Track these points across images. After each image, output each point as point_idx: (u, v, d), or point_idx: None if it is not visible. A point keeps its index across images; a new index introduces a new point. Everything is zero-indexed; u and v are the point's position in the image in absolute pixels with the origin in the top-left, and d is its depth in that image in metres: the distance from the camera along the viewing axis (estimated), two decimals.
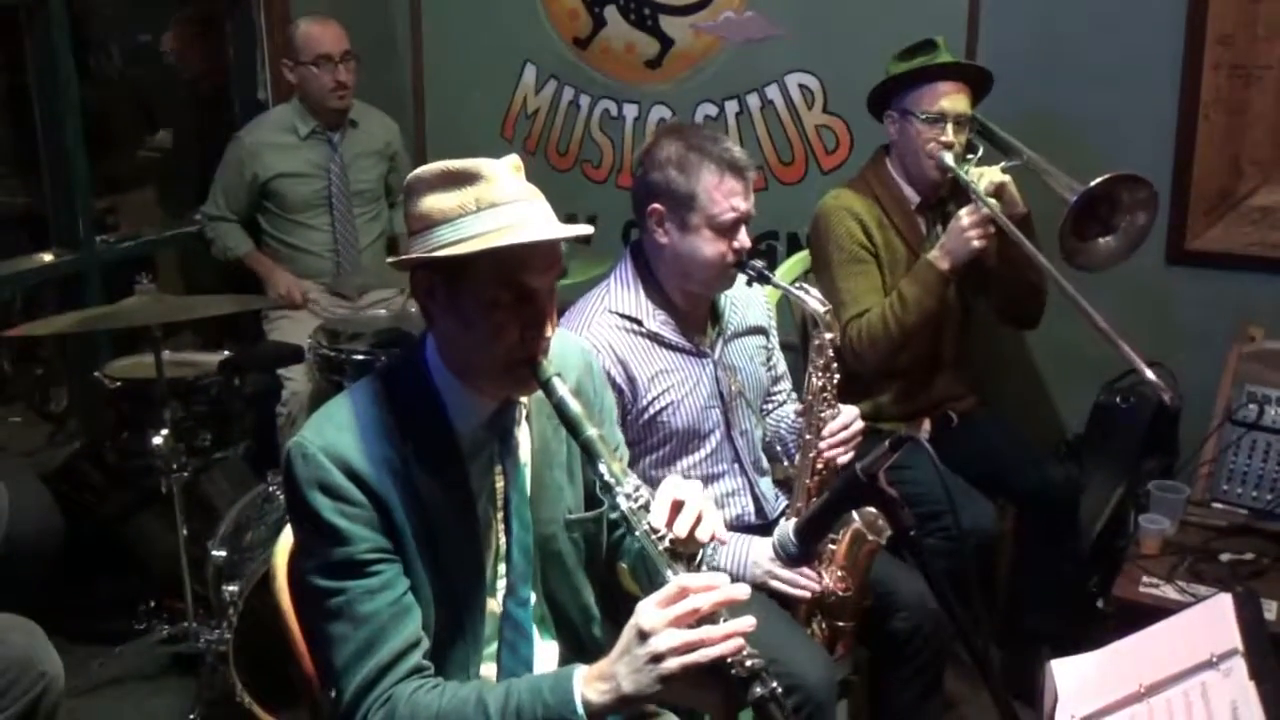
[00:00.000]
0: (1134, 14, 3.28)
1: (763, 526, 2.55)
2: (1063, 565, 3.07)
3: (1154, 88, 3.28)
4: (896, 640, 2.49)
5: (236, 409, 3.45)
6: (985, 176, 2.90)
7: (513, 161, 1.67)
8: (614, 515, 1.70)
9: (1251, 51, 3.19)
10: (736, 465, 2.55)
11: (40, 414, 5.13)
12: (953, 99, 2.93)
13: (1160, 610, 2.34)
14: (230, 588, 2.97)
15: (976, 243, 2.82)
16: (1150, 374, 2.53)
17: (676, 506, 1.67)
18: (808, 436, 2.45)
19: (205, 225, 4.04)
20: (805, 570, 2.34)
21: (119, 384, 3.36)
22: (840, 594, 2.39)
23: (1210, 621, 1.63)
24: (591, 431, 1.67)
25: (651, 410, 2.42)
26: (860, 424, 2.48)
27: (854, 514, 2.32)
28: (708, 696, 1.59)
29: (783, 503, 2.61)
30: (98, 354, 3.75)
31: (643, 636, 1.50)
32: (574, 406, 1.68)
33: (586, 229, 1.70)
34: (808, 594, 2.37)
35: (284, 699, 2.80)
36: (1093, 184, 2.80)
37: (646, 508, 1.64)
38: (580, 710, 1.53)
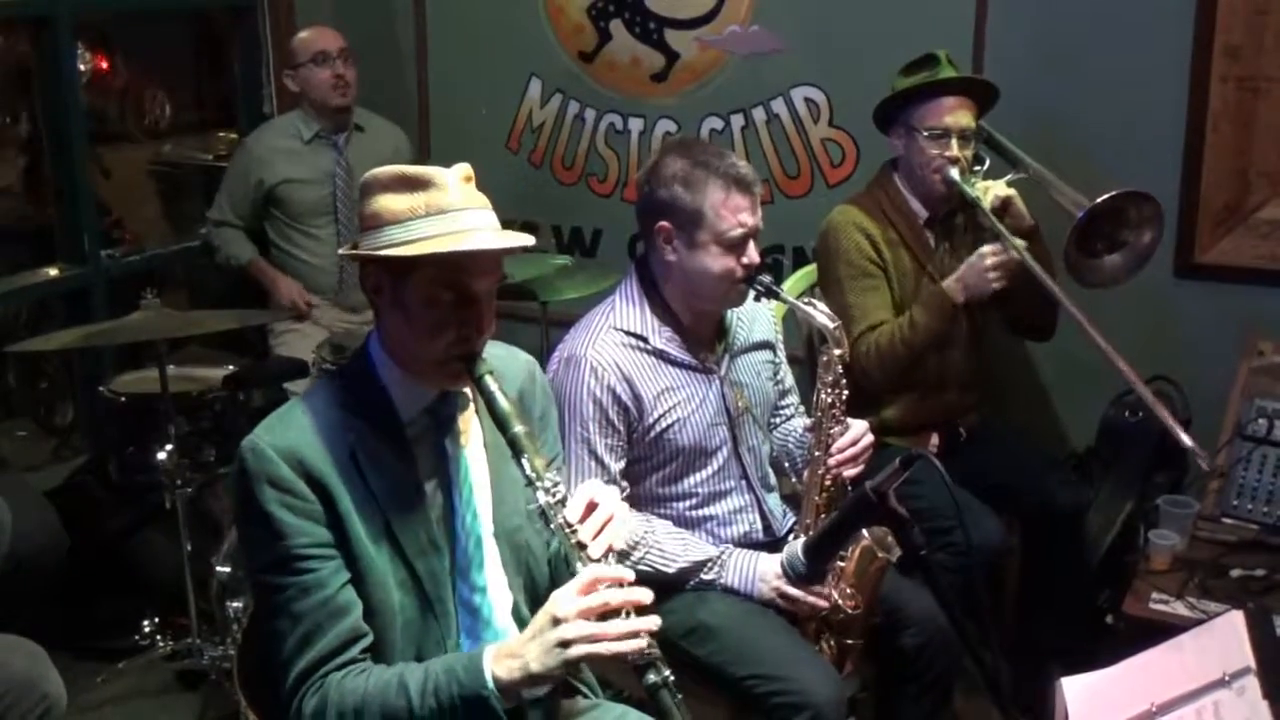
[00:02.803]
0: (1141, 25, 3.27)
1: (770, 543, 2.53)
2: (1071, 581, 3.05)
3: (1161, 99, 3.27)
4: (905, 657, 2.48)
5: (241, 424, 3.44)
6: (991, 191, 2.89)
7: (463, 171, 1.77)
8: (531, 508, 1.81)
9: (1259, 63, 3.18)
10: (744, 482, 2.53)
11: (45, 428, 5.13)
12: (956, 114, 2.92)
13: (1170, 627, 2.32)
14: (234, 604, 2.97)
15: (996, 285, 2.81)
16: (1150, 396, 2.51)
17: (591, 507, 1.77)
18: (816, 453, 2.43)
19: (210, 232, 4.04)
20: (813, 587, 2.32)
21: (124, 399, 3.36)
22: (849, 611, 2.38)
23: (1222, 639, 1.62)
24: (518, 428, 1.77)
25: (658, 428, 2.40)
26: (870, 438, 2.46)
27: (863, 531, 2.31)
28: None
29: (790, 519, 2.60)
30: (103, 368, 3.75)
31: (555, 622, 1.63)
32: (503, 403, 1.78)
33: (526, 239, 1.78)
34: (815, 612, 2.36)
35: (288, 716, 2.78)
36: (1098, 200, 2.79)
37: (563, 503, 1.74)
38: (491, 685, 1.65)
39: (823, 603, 2.35)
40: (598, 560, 1.71)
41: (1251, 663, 1.55)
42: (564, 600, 1.65)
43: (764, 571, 2.38)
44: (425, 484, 1.83)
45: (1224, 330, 3.27)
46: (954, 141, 2.91)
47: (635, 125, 3.98)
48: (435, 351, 1.76)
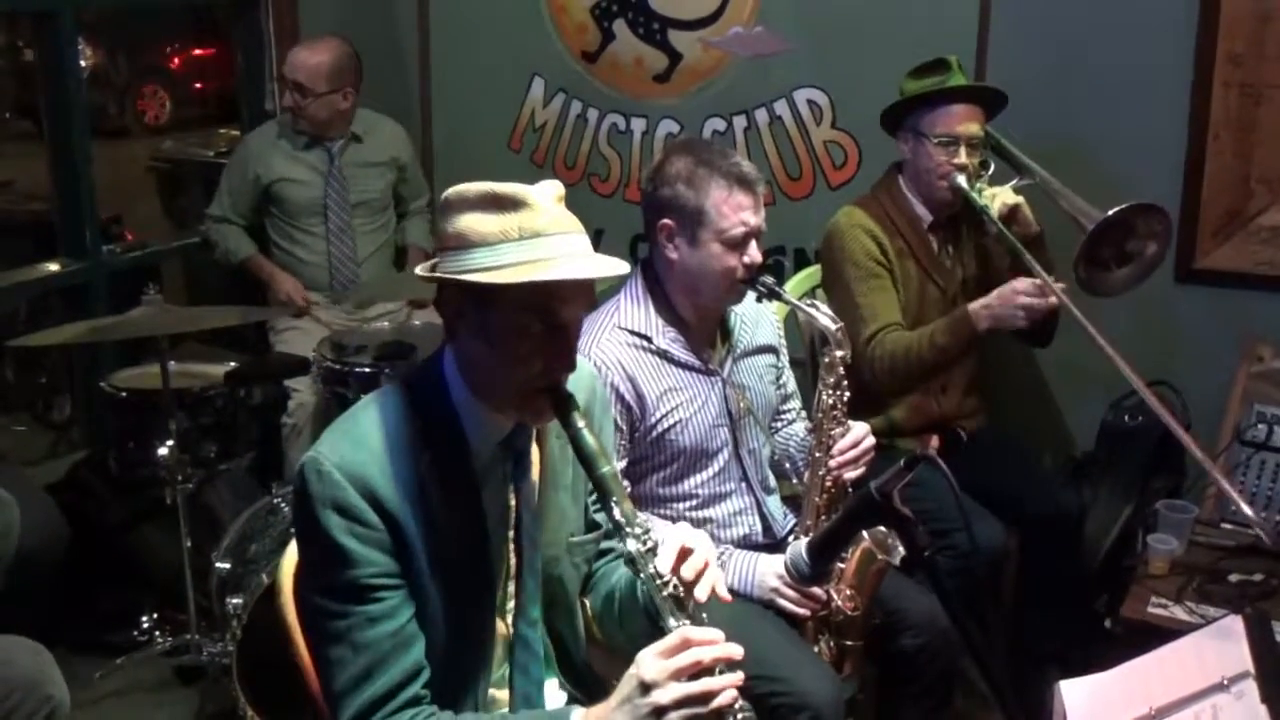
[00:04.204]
0: (1144, 32, 3.28)
1: (770, 545, 2.54)
2: (1070, 584, 3.06)
3: (1164, 106, 3.28)
4: (905, 658, 2.49)
5: (242, 420, 3.45)
6: (998, 198, 2.89)
7: (556, 191, 1.66)
8: (573, 540, 1.74)
9: (1261, 71, 3.19)
10: (744, 484, 2.54)
11: (43, 422, 5.14)
12: (966, 122, 2.92)
13: (1169, 631, 2.33)
14: (234, 600, 2.96)
15: (1022, 323, 2.77)
16: (1156, 402, 2.50)
17: (684, 554, 1.67)
18: (817, 454, 2.44)
19: (210, 228, 4.04)
20: (812, 589, 2.33)
21: (125, 394, 3.36)
22: (848, 613, 2.38)
23: (1221, 643, 1.62)
24: (606, 468, 1.66)
25: (660, 428, 2.41)
26: (871, 440, 2.47)
27: (864, 533, 2.31)
28: None
29: (790, 521, 2.61)
30: (101, 363, 3.75)
31: (645, 688, 1.52)
32: (590, 442, 1.67)
33: (624, 266, 1.68)
34: (814, 612, 2.36)
35: (287, 713, 2.78)
36: (1109, 213, 2.78)
37: (654, 551, 1.64)
38: None
39: (820, 601, 2.36)
40: (689, 613, 1.62)
41: (1250, 667, 1.56)
42: (652, 663, 1.54)
43: (764, 572, 2.38)
44: (489, 517, 1.74)
45: (1224, 335, 3.28)
46: (963, 149, 2.92)
47: (638, 125, 3.98)
48: (519, 382, 1.66)
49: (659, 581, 1.61)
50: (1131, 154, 3.31)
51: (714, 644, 1.55)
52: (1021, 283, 2.78)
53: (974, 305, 2.84)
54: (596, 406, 1.94)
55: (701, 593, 1.64)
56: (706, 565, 1.67)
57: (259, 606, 2.87)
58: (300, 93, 3.81)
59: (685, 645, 1.53)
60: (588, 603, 1.94)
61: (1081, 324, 2.64)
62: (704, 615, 1.64)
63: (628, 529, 1.63)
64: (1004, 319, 2.79)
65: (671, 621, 1.59)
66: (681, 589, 1.63)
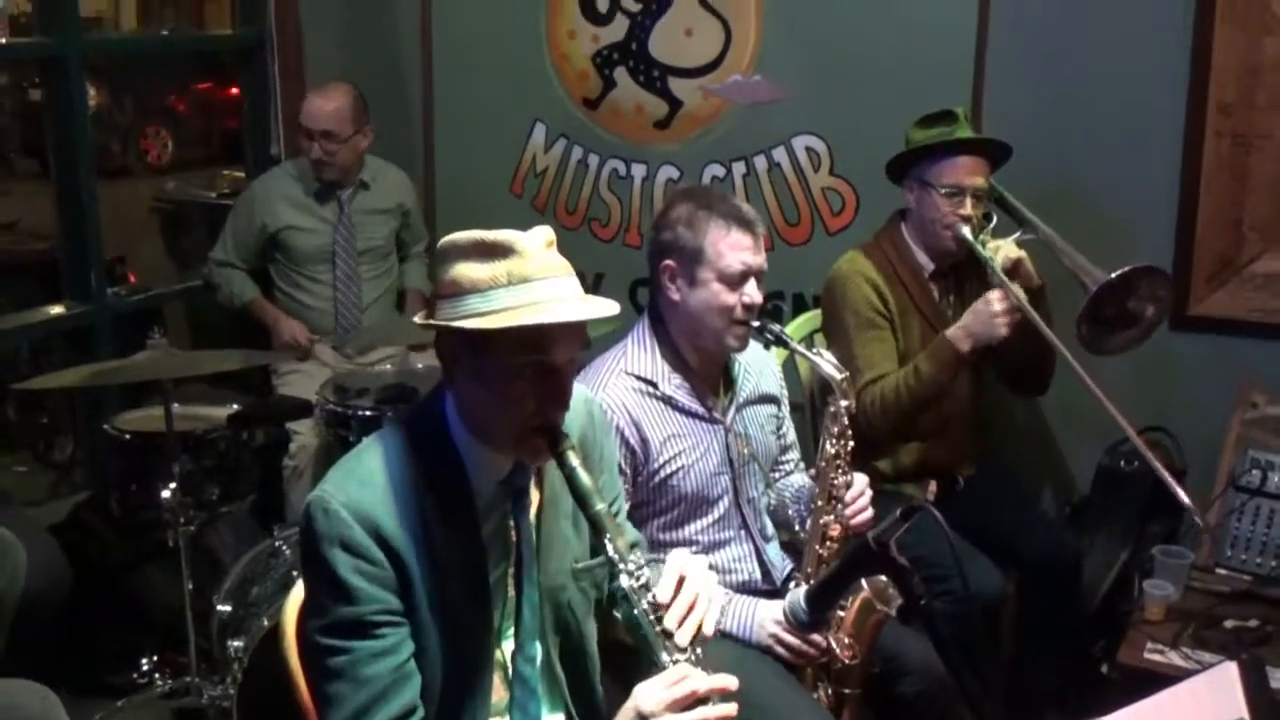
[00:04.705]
0: (1137, 82, 3.32)
1: (770, 591, 2.55)
2: (1066, 629, 3.07)
3: (1157, 155, 3.32)
4: (903, 705, 2.49)
5: (244, 462, 3.47)
6: (1002, 251, 2.92)
7: (546, 236, 1.71)
8: (578, 567, 1.78)
9: (1251, 121, 3.24)
10: (744, 531, 2.56)
11: (44, 463, 5.14)
12: (971, 173, 2.95)
13: (1165, 676, 2.35)
14: (235, 643, 2.96)
15: (1004, 330, 2.81)
16: (1150, 455, 2.53)
17: (680, 583, 1.70)
18: (819, 503, 2.46)
19: (212, 271, 4.05)
20: (811, 636, 2.34)
21: (129, 436, 3.37)
22: (846, 661, 2.39)
23: (1216, 689, 1.63)
24: (600, 506, 1.70)
25: (663, 473, 2.43)
26: (870, 493, 2.49)
27: (863, 582, 2.33)
28: None
29: (789, 566, 2.62)
30: (105, 405, 3.77)
31: (641, 719, 1.57)
32: (584, 480, 1.71)
33: (613, 308, 1.71)
34: (812, 659, 2.37)
35: None
36: (1113, 275, 2.80)
37: (647, 586, 1.67)
38: None
39: (819, 649, 2.37)
40: (684, 649, 1.65)
41: (1245, 714, 1.56)
42: (649, 695, 1.59)
43: (763, 618, 2.38)
44: (490, 555, 1.77)
45: (1218, 381, 3.30)
46: (968, 199, 2.94)
47: (638, 171, 4.02)
48: (515, 423, 1.70)
49: (651, 617, 1.65)
50: (1125, 202, 3.35)
51: (708, 675, 1.59)
52: (994, 293, 2.83)
53: (951, 330, 2.88)
54: (596, 430, 1.97)
55: (686, 629, 1.67)
56: (694, 603, 1.70)
57: (260, 649, 2.87)
58: (329, 139, 3.85)
59: (682, 677, 1.58)
60: (618, 614, 1.93)
61: (1078, 373, 2.67)
62: (698, 650, 1.67)
63: (620, 565, 1.67)
64: (983, 335, 2.83)
65: (663, 656, 1.63)
66: (675, 624, 1.66)
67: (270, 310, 4.01)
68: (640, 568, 1.67)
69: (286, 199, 3.96)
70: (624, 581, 1.66)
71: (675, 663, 1.63)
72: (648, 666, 1.66)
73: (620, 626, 1.95)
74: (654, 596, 1.67)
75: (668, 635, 1.65)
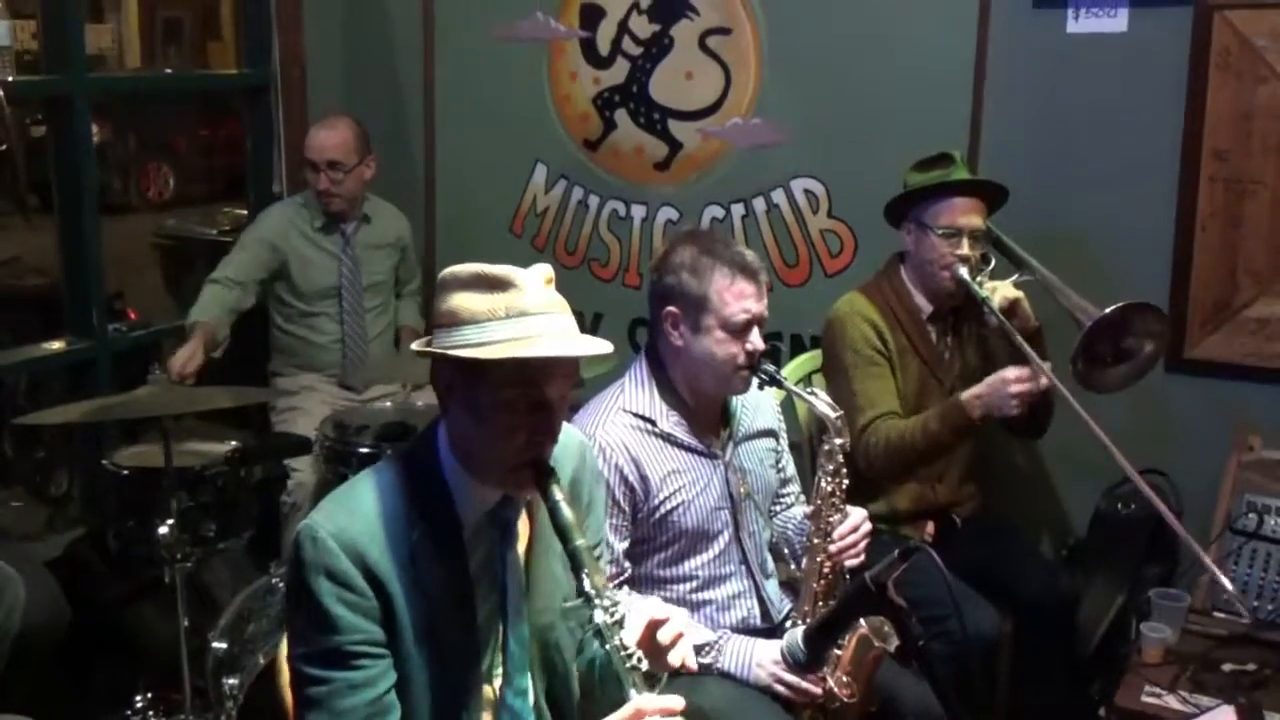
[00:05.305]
0: (1132, 127, 3.35)
1: (768, 629, 2.55)
2: (1063, 672, 3.06)
3: (1152, 200, 3.35)
4: None
5: (242, 499, 3.46)
6: (999, 292, 2.94)
7: (544, 273, 1.74)
8: (567, 606, 1.79)
9: (1246, 166, 3.27)
10: (744, 567, 2.56)
11: (39, 498, 5.12)
12: (968, 214, 2.99)
13: None
14: (230, 680, 2.95)
15: (1014, 410, 2.82)
16: (1153, 494, 2.53)
17: (654, 626, 1.72)
18: (815, 540, 2.47)
19: (205, 287, 3.93)
20: (809, 675, 2.34)
21: (127, 471, 3.37)
22: (844, 700, 2.39)
23: None
24: (580, 541, 1.72)
25: (662, 510, 2.44)
26: (868, 526, 2.50)
27: (861, 621, 2.33)
28: None
29: (787, 605, 2.62)
30: (102, 440, 3.76)
31: None
32: (567, 514, 1.73)
33: (606, 346, 1.74)
34: (810, 699, 2.37)
35: None
36: (1107, 310, 2.82)
37: (621, 624, 1.68)
38: None
39: (818, 689, 2.37)
40: (650, 684, 1.68)
41: None
42: None
43: (761, 657, 2.39)
44: (477, 587, 1.79)
45: (1214, 425, 3.31)
46: (965, 240, 2.97)
47: (638, 212, 4.05)
48: (503, 455, 1.73)
49: (624, 653, 1.67)
50: (1122, 247, 3.37)
51: (668, 710, 1.61)
52: (1012, 371, 2.82)
53: (966, 394, 2.88)
54: (587, 474, 1.99)
55: (674, 660, 1.70)
56: (680, 635, 1.73)
57: (255, 687, 2.87)
58: (335, 169, 3.88)
59: (638, 716, 1.60)
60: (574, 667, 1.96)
61: (1078, 412, 2.68)
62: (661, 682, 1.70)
63: (597, 600, 1.68)
64: (996, 407, 2.83)
65: (633, 693, 1.64)
66: (644, 662, 1.68)
67: (196, 337, 3.73)
68: (615, 604, 1.69)
69: (297, 230, 3.98)
70: (599, 617, 1.68)
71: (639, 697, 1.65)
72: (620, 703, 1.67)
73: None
74: (623, 637, 1.68)
75: (636, 671, 1.66)
